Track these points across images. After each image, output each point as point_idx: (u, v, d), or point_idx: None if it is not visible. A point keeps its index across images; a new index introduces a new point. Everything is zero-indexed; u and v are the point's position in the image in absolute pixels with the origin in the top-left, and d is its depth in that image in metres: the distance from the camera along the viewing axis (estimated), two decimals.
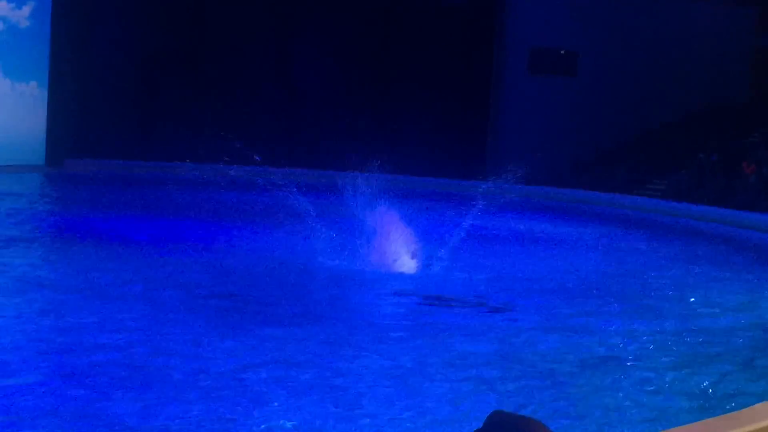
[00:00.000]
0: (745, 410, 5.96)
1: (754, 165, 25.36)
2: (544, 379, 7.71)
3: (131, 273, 11.77)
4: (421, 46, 31.77)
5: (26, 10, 28.43)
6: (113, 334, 8.43)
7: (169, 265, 12.69)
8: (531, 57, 32.80)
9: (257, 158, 20.81)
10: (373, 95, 30.51)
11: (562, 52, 32.93)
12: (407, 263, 13.14)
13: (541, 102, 32.13)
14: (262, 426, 6.28)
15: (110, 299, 10.01)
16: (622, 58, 31.65)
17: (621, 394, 7.41)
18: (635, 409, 7.07)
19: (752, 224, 21.79)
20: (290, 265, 13.12)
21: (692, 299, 12.01)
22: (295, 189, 14.27)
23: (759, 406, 6.00)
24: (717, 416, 6.01)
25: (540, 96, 32.23)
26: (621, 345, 9.09)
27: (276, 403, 6.71)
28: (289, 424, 6.33)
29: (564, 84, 32.48)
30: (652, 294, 12.29)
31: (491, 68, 33.07)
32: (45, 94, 29.01)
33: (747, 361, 8.76)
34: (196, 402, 6.65)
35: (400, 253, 13.23)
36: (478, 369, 7.90)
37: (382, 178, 14.41)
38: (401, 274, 12.71)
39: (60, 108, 28.99)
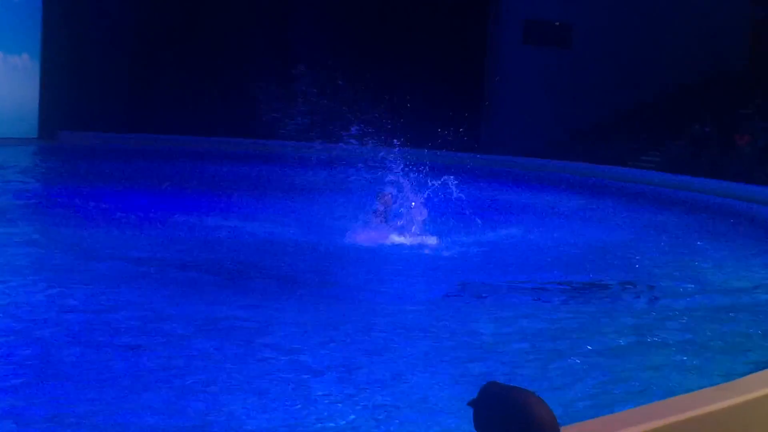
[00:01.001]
0: (737, 380, 5.99)
1: (748, 136, 25.35)
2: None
3: (118, 247, 11.64)
4: (415, 18, 31.62)
5: None
6: (101, 314, 8.25)
7: (162, 239, 12.63)
8: (525, 29, 32.70)
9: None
10: (367, 67, 30.42)
11: (557, 23, 32.81)
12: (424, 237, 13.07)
13: (535, 74, 32.05)
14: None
15: (93, 274, 9.82)
16: (617, 29, 31.56)
17: None
18: None
19: (748, 196, 21.81)
20: (291, 239, 13.03)
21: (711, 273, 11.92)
22: (291, 161, 14.22)
23: (751, 377, 6.04)
24: (710, 387, 6.04)
25: (534, 68, 32.16)
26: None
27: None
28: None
29: (558, 56, 32.39)
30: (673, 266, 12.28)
31: (485, 40, 32.96)
32: (37, 65, 28.87)
33: None
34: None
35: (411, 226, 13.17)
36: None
37: (377, 150, 14.33)
38: (434, 253, 12.57)
39: (53, 80, 28.86)
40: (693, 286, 11.01)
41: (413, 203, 13.38)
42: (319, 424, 5.88)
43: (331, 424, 5.89)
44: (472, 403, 4.03)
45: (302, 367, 6.94)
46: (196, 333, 7.68)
